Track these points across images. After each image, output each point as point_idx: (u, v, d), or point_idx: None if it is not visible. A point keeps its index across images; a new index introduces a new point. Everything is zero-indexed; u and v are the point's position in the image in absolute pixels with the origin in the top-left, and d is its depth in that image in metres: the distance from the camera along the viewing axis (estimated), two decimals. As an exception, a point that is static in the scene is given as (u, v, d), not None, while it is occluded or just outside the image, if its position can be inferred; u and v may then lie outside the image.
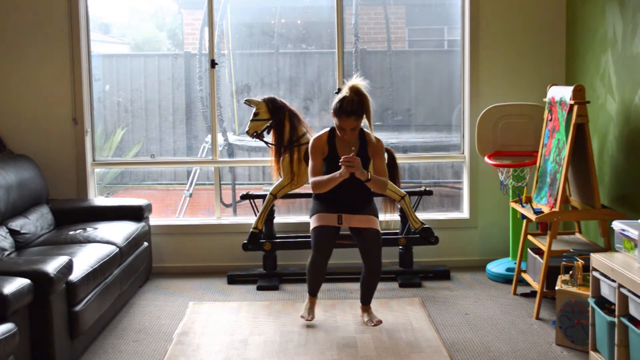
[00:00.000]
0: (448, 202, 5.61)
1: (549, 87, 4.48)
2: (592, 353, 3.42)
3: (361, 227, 4.07)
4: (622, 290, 3.08)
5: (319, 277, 4.15)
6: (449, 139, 5.49)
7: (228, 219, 5.48)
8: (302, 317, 4.15)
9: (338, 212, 4.08)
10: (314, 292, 4.20)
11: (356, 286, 4.87)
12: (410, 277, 4.95)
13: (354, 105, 3.92)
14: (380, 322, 4.11)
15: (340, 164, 3.86)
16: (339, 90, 5.27)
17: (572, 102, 4.05)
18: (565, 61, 5.19)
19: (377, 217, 4.18)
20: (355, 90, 3.98)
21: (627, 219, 3.75)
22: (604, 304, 3.31)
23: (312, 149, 4.09)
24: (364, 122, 4.06)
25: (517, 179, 4.84)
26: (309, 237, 4.98)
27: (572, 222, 4.77)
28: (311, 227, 4.10)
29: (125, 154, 5.62)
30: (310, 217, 4.15)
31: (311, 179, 4.03)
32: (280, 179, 4.86)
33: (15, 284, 3.07)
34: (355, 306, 4.42)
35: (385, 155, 4.87)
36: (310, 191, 5.22)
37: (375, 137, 4.12)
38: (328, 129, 4.14)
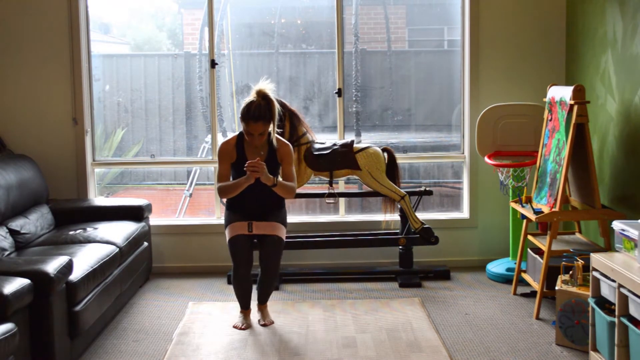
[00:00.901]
0: (448, 202, 5.61)
1: (549, 87, 4.48)
2: (592, 353, 3.42)
3: (264, 233, 4.07)
4: (622, 290, 3.08)
5: (246, 289, 4.15)
6: (449, 139, 5.49)
7: (228, 219, 5.47)
8: (234, 327, 4.10)
9: (248, 219, 4.08)
10: (246, 305, 4.18)
11: (356, 286, 4.89)
12: (410, 277, 4.95)
13: (261, 110, 3.92)
14: (271, 322, 4.13)
15: (245, 169, 3.86)
16: (339, 90, 5.27)
17: (572, 102, 4.05)
18: (565, 61, 5.19)
19: (284, 223, 4.18)
20: (262, 95, 3.98)
21: (627, 219, 3.75)
22: (604, 304, 3.31)
23: (219, 154, 4.09)
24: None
25: (517, 179, 4.84)
26: (309, 237, 5.01)
27: (572, 222, 4.77)
28: (227, 239, 4.10)
29: (125, 154, 5.62)
30: (225, 228, 4.15)
31: (217, 185, 4.05)
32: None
33: (15, 284, 3.07)
34: (355, 306, 4.42)
35: (386, 155, 4.89)
36: (311, 191, 5.25)
37: (284, 142, 4.11)
38: (237, 133, 4.14)
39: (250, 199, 4.08)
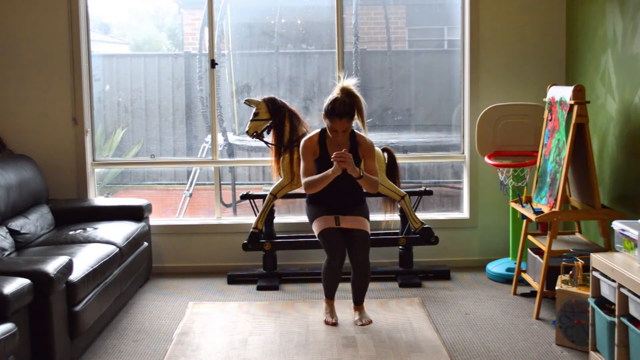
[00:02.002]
0: (448, 202, 5.61)
1: (549, 87, 4.48)
2: (592, 353, 3.42)
3: (351, 227, 4.06)
4: (622, 290, 3.08)
5: (335, 280, 4.14)
6: (449, 139, 5.49)
7: (228, 219, 5.48)
8: (325, 322, 4.11)
9: (333, 213, 4.08)
10: (331, 295, 4.19)
11: (349, 285, 4.88)
12: (410, 277, 4.95)
13: (345, 107, 3.93)
14: (370, 321, 4.10)
15: (332, 159, 3.86)
16: (339, 90, 5.27)
17: (572, 102, 4.05)
18: (565, 61, 5.19)
19: (368, 218, 4.19)
20: (346, 92, 3.99)
21: (627, 219, 3.75)
22: (604, 304, 3.31)
23: (303, 150, 4.09)
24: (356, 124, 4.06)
25: (517, 179, 4.84)
26: (309, 237, 5.00)
27: (572, 222, 4.77)
28: (317, 232, 4.09)
29: (125, 154, 5.62)
30: (311, 222, 4.15)
31: (303, 180, 4.04)
32: (280, 179, 4.86)
33: (15, 284, 3.07)
34: (353, 305, 4.42)
35: (386, 155, 4.89)
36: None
37: (367, 138, 4.13)
38: (318, 130, 4.15)
39: (333, 193, 4.08)
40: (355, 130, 4.12)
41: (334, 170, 3.89)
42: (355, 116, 4.05)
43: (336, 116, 3.92)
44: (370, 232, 4.16)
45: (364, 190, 4.18)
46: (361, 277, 4.10)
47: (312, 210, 4.17)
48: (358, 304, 4.19)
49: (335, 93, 4.01)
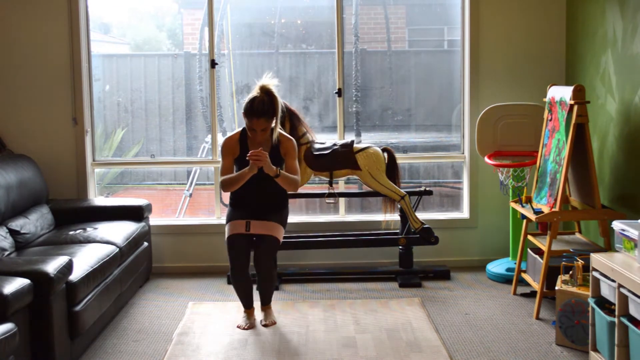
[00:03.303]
0: (448, 202, 5.61)
1: (549, 87, 4.48)
2: (592, 353, 3.42)
3: (262, 233, 4.05)
4: (622, 290, 3.08)
5: (245, 288, 4.13)
6: (449, 139, 5.49)
7: (228, 219, 5.47)
8: (238, 327, 4.09)
9: (248, 218, 4.07)
10: (248, 305, 4.17)
11: (356, 286, 4.89)
12: (410, 277, 4.95)
13: (264, 106, 3.91)
14: (274, 322, 4.12)
15: (247, 158, 3.84)
16: (339, 90, 5.27)
17: (572, 102, 4.05)
18: (565, 61, 5.19)
19: (283, 225, 4.17)
20: (265, 90, 3.97)
21: (627, 219, 3.75)
22: (604, 304, 3.31)
23: (223, 149, 4.07)
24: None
25: (517, 179, 4.84)
26: (309, 237, 5.01)
27: (572, 222, 4.77)
28: (225, 236, 4.09)
29: (125, 154, 5.62)
30: (225, 225, 4.15)
31: (220, 178, 4.03)
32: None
33: (15, 284, 3.07)
34: (355, 306, 4.42)
35: (386, 155, 4.88)
36: (311, 191, 5.25)
37: (288, 137, 4.10)
38: (239, 129, 4.13)
39: (252, 196, 4.07)
40: (279, 130, 4.07)
41: (249, 168, 3.87)
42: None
43: (254, 115, 3.89)
44: (282, 238, 4.13)
45: (286, 192, 4.17)
46: (263, 280, 4.11)
47: (228, 214, 4.16)
48: (264, 304, 4.21)
49: (254, 92, 3.98)
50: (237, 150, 4.06)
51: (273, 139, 4.04)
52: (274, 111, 3.95)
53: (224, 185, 4.02)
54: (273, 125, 4.00)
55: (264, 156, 3.83)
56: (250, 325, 4.10)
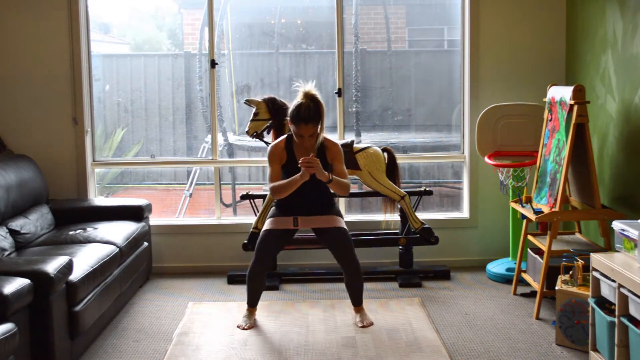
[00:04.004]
0: (448, 202, 5.61)
1: (549, 87, 4.48)
2: (592, 353, 3.42)
3: (324, 227, 4.04)
4: (622, 290, 3.08)
5: (259, 287, 4.11)
6: (449, 139, 5.49)
7: (228, 219, 5.48)
8: (238, 326, 4.08)
9: (294, 215, 4.06)
10: (253, 303, 4.15)
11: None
12: (410, 277, 4.95)
13: (310, 112, 3.91)
14: (370, 323, 4.08)
15: (299, 165, 3.84)
16: (339, 90, 5.27)
17: (572, 102, 4.05)
18: (565, 61, 5.19)
19: (341, 217, 4.17)
20: (310, 97, 3.97)
21: (627, 219, 3.75)
22: (604, 304, 3.31)
23: (270, 156, 4.07)
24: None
25: (517, 179, 4.84)
26: (309, 237, 5.00)
27: (572, 222, 4.77)
28: (262, 230, 4.09)
29: (125, 154, 5.62)
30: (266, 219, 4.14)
31: (270, 185, 4.01)
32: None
33: (15, 284, 3.07)
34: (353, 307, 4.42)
35: (386, 155, 4.88)
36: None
37: (333, 142, 4.10)
38: (285, 136, 4.13)
39: (300, 198, 4.05)
40: (324, 135, 4.09)
41: (301, 175, 3.86)
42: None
43: (302, 121, 3.90)
44: (346, 227, 4.11)
45: (333, 194, 4.17)
46: (354, 280, 4.06)
47: (272, 212, 4.17)
48: (356, 305, 4.17)
49: (299, 98, 3.99)
50: (284, 157, 4.05)
51: (317, 143, 4.02)
52: (320, 117, 3.96)
53: (275, 192, 3.99)
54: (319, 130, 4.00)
55: (316, 163, 3.82)
56: (251, 325, 4.09)
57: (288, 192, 3.96)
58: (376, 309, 4.34)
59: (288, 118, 3.99)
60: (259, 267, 4.03)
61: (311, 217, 4.06)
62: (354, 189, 5.53)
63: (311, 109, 3.92)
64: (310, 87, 4.02)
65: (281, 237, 4.08)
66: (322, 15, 5.44)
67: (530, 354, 3.67)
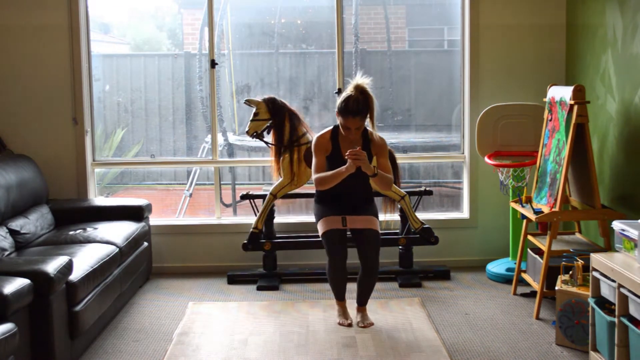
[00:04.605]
0: (448, 202, 5.61)
1: (549, 87, 4.48)
2: (592, 353, 3.42)
3: (362, 227, 4.05)
4: (622, 290, 3.08)
5: (342, 280, 4.12)
6: (449, 139, 5.49)
7: (228, 219, 5.48)
8: (340, 324, 4.10)
9: (341, 213, 4.06)
10: (341, 296, 4.17)
11: (356, 286, 4.87)
12: (410, 277, 4.95)
13: (359, 105, 3.89)
14: (371, 324, 4.08)
15: (346, 157, 3.83)
16: (339, 90, 5.27)
17: (572, 102, 4.05)
18: (565, 61, 5.19)
19: (378, 217, 4.17)
20: (360, 89, 3.94)
21: (627, 219, 3.75)
22: (604, 304, 3.31)
23: (315, 147, 4.06)
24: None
25: (517, 179, 4.84)
26: (309, 237, 5.01)
27: (572, 222, 4.77)
28: (320, 232, 4.07)
29: (125, 154, 5.62)
30: (317, 221, 4.13)
31: (315, 176, 4.00)
32: (280, 179, 4.86)
33: (15, 284, 3.07)
34: (355, 306, 4.41)
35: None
36: (310, 191, 5.24)
37: (379, 136, 4.10)
38: (331, 127, 4.12)
39: (343, 192, 4.04)
40: (368, 128, 4.07)
41: (347, 167, 3.85)
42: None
43: (350, 114, 3.88)
44: (380, 230, 4.13)
45: (373, 189, 4.17)
46: (368, 275, 4.07)
47: (320, 210, 4.14)
48: (361, 304, 4.18)
49: (349, 90, 3.96)
50: (329, 148, 4.04)
51: (369, 136, 4.02)
52: (368, 109, 3.95)
53: (319, 183, 3.98)
54: (367, 124, 3.99)
55: (363, 155, 3.81)
56: (351, 320, 4.10)
57: (333, 184, 3.95)
58: (376, 309, 4.34)
59: (336, 109, 3.96)
60: (338, 261, 4.01)
61: (356, 217, 4.06)
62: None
63: (360, 102, 3.90)
64: (362, 79, 3.99)
65: (340, 231, 4.05)
66: (322, 15, 5.44)
67: (530, 354, 3.67)
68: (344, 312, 4.16)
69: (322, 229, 4.06)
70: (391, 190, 4.79)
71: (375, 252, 4.05)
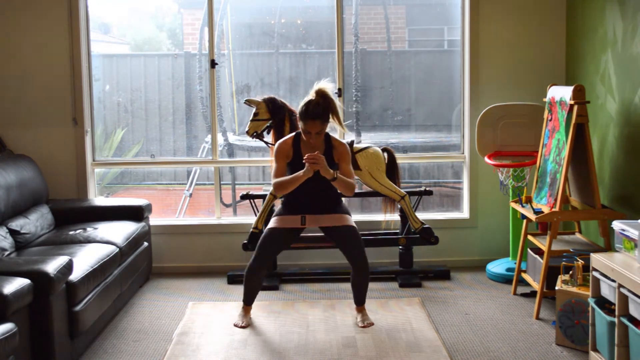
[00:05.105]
0: (448, 202, 5.61)
1: (549, 87, 4.48)
2: (592, 353, 3.42)
3: (333, 225, 4.04)
4: (622, 290, 3.08)
5: (256, 285, 4.12)
6: (449, 139, 5.49)
7: (228, 219, 5.48)
8: (234, 324, 4.10)
9: (302, 214, 4.05)
10: (249, 301, 4.16)
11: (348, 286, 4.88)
12: (410, 277, 4.95)
13: (319, 109, 3.90)
14: (371, 324, 4.08)
15: (304, 161, 3.82)
16: (339, 90, 5.27)
17: (572, 102, 4.05)
18: (565, 61, 5.19)
19: (349, 214, 4.15)
20: (321, 94, 3.96)
21: (627, 219, 3.75)
22: (604, 304, 3.31)
23: (276, 153, 4.05)
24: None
25: (517, 179, 4.85)
26: (309, 237, 4.99)
27: (572, 222, 4.77)
28: (266, 228, 4.06)
29: (125, 154, 5.62)
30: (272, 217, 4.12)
31: (273, 181, 4.00)
32: (280, 179, 4.85)
33: (15, 284, 3.07)
34: (355, 306, 4.41)
35: (386, 155, 4.88)
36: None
37: (341, 141, 4.09)
38: (293, 133, 4.11)
39: (306, 196, 4.04)
40: (331, 134, 4.07)
41: (305, 171, 3.85)
42: (331, 118, 4.00)
43: (310, 117, 3.88)
44: (357, 228, 4.11)
45: (339, 193, 4.16)
46: (360, 274, 4.05)
47: (279, 210, 4.14)
48: (359, 304, 4.17)
49: (310, 95, 3.98)
50: (290, 154, 4.03)
51: (331, 141, 4.01)
52: (329, 114, 3.95)
53: (278, 188, 3.97)
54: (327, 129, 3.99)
55: (321, 159, 3.81)
56: (247, 323, 4.10)
57: (291, 188, 3.94)
58: (376, 309, 4.34)
59: (297, 115, 3.97)
60: (259, 265, 4.02)
61: (319, 216, 4.05)
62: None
63: (320, 106, 3.90)
64: (324, 84, 3.99)
65: (286, 235, 4.06)
66: (322, 15, 5.44)
67: (530, 354, 3.67)
68: (245, 315, 4.15)
69: (269, 225, 4.05)
70: (389, 191, 4.79)
71: (359, 248, 4.02)
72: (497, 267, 5.05)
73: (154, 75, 5.61)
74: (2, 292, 2.96)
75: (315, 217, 4.05)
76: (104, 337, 4.00)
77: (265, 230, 4.07)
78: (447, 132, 5.51)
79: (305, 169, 3.84)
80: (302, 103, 3.95)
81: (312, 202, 4.07)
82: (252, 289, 4.13)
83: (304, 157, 3.83)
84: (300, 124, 3.96)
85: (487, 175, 5.25)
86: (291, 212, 4.08)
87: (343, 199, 4.29)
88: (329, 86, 4.00)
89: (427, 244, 4.88)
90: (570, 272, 3.82)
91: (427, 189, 5.04)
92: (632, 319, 3.03)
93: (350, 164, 4.09)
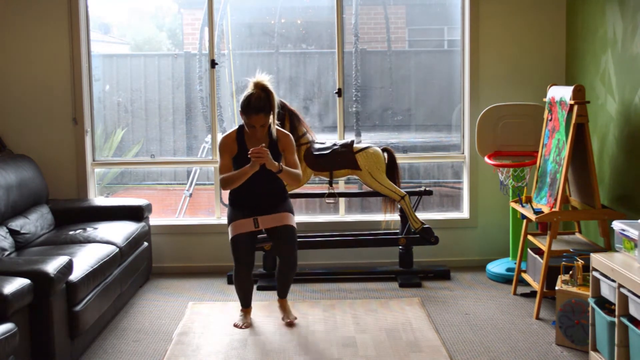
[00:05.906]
0: (448, 202, 5.61)
1: (549, 87, 4.48)
2: (592, 353, 3.42)
3: (275, 225, 4.04)
4: (622, 290, 3.08)
5: (247, 289, 4.15)
6: (449, 139, 5.49)
7: (228, 219, 5.47)
8: (235, 325, 4.11)
9: (253, 215, 4.05)
10: (246, 304, 4.18)
11: (356, 286, 4.88)
12: (410, 277, 4.95)
13: (261, 102, 3.88)
14: (295, 318, 4.12)
15: (249, 155, 3.81)
16: (339, 90, 5.27)
17: (572, 102, 4.05)
18: (565, 61, 5.19)
19: (292, 212, 4.16)
20: (260, 87, 3.94)
21: (627, 219, 3.75)
22: (604, 304, 3.31)
23: (220, 148, 4.04)
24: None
25: (517, 179, 4.85)
26: (309, 237, 5.00)
27: (572, 222, 4.77)
28: (230, 237, 4.05)
29: (125, 154, 5.62)
30: (228, 225, 4.11)
31: (220, 177, 4.00)
32: (280, 179, 4.85)
33: (15, 284, 3.07)
34: (355, 306, 4.42)
35: (386, 155, 4.88)
36: (310, 191, 5.25)
37: (285, 132, 4.09)
38: (236, 127, 4.10)
39: (253, 192, 4.04)
40: (276, 126, 4.05)
41: (251, 165, 3.84)
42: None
43: (252, 111, 3.87)
44: (295, 224, 4.12)
45: (285, 186, 4.17)
46: (286, 271, 4.09)
47: (231, 213, 4.11)
48: (282, 297, 4.21)
49: (249, 88, 3.95)
50: (234, 149, 4.03)
51: (273, 134, 4.02)
52: (271, 107, 3.94)
53: (224, 184, 3.98)
54: (270, 121, 3.98)
55: (265, 153, 3.81)
56: (247, 324, 4.11)
57: (238, 183, 3.94)
58: (376, 309, 4.34)
59: (239, 109, 3.95)
60: (240, 269, 4.04)
61: (268, 217, 4.04)
62: (353, 188, 5.55)
63: (262, 99, 3.89)
64: (262, 77, 3.98)
65: (249, 237, 4.05)
66: (322, 15, 5.44)
67: (530, 354, 3.67)
68: (245, 316, 4.17)
69: (231, 233, 4.04)
70: (389, 191, 4.80)
71: (291, 248, 4.05)
72: (497, 267, 5.05)
73: (154, 75, 5.61)
74: (2, 292, 2.97)
75: (265, 219, 4.04)
76: (104, 337, 4.00)
77: (230, 241, 4.05)
78: (447, 132, 5.51)
79: (250, 163, 3.84)
80: (242, 97, 3.93)
81: (258, 198, 4.08)
82: (244, 292, 4.15)
83: (249, 152, 3.82)
84: (243, 118, 3.94)
85: (487, 175, 5.25)
86: (242, 213, 4.06)
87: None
88: (267, 78, 3.98)
89: (427, 244, 4.89)
90: (570, 272, 3.82)
91: (427, 189, 5.04)
92: (632, 319, 3.03)
93: (295, 154, 4.08)
